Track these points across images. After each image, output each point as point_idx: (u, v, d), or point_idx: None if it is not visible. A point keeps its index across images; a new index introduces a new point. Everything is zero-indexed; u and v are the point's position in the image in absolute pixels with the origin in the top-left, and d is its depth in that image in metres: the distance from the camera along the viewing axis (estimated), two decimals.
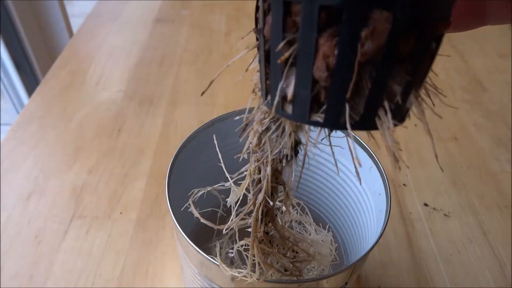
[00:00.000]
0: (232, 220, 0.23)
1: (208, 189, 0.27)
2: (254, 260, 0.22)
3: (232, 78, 0.57)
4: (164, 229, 0.41)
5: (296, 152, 0.19)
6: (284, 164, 0.20)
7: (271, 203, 0.21)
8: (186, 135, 0.29)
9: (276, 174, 0.20)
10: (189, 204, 0.25)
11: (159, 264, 0.38)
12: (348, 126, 0.14)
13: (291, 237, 0.25)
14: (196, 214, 0.24)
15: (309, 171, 0.34)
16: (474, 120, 0.54)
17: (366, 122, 0.14)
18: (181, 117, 0.54)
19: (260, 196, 0.21)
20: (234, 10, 0.77)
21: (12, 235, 0.40)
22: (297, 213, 0.31)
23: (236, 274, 0.22)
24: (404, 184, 0.46)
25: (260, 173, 0.20)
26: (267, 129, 0.19)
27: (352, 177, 0.31)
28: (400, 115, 0.15)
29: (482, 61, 0.65)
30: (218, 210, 0.29)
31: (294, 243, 0.25)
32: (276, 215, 0.23)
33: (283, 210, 0.26)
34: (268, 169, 0.19)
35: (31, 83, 0.97)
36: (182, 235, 0.23)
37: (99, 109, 0.55)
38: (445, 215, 0.43)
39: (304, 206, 0.32)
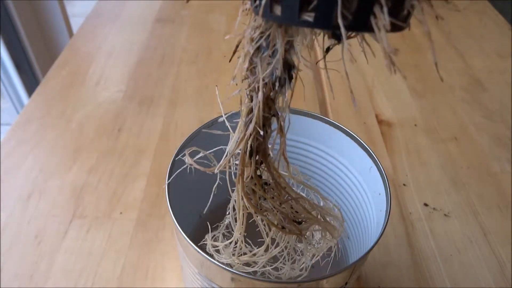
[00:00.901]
0: (224, 158, 0.21)
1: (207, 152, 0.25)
2: (242, 211, 0.20)
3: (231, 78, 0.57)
4: (164, 229, 0.41)
5: (289, 77, 0.18)
6: (277, 90, 0.18)
7: (262, 133, 0.19)
8: (186, 135, 0.29)
9: (269, 103, 0.19)
10: (185, 157, 0.23)
11: (159, 264, 0.38)
12: (341, 26, 0.13)
13: (288, 189, 0.23)
14: (190, 161, 0.23)
15: (309, 171, 0.34)
16: (474, 120, 0.54)
17: (360, 22, 0.13)
18: (181, 117, 0.54)
19: (251, 126, 0.19)
20: (234, 10, 0.77)
21: (12, 235, 0.40)
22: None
23: (220, 244, 0.21)
24: (404, 184, 0.46)
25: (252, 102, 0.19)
26: (258, 49, 0.17)
27: (352, 177, 0.31)
28: (399, 14, 0.13)
29: (482, 61, 0.64)
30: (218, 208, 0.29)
31: (292, 195, 0.22)
32: (269, 155, 0.21)
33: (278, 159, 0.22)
34: (260, 94, 0.18)
35: (31, 83, 0.97)
36: (182, 235, 0.23)
37: (99, 109, 0.55)
38: (445, 215, 0.43)
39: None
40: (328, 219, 0.24)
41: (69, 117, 0.54)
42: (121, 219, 0.42)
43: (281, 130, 0.20)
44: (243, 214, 0.22)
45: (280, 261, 0.25)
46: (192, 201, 0.32)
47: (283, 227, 0.22)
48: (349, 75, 0.63)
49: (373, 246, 0.23)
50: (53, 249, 0.39)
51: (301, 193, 0.23)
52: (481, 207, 0.43)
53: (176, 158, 0.28)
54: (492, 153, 0.50)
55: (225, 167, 0.22)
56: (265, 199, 0.21)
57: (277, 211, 0.22)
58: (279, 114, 0.19)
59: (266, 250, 0.23)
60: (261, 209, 0.21)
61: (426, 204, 0.44)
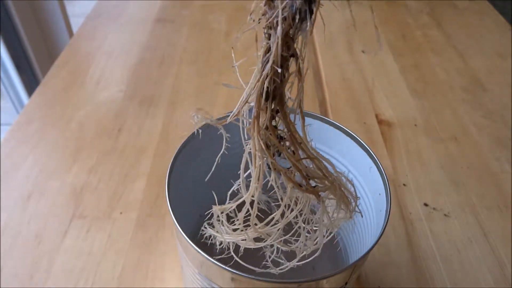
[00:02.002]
0: (238, 105, 0.20)
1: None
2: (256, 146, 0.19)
3: (232, 78, 0.57)
4: (164, 229, 0.41)
5: (310, 10, 0.17)
6: (297, 25, 0.17)
7: (279, 70, 0.18)
8: (186, 135, 0.29)
9: (288, 41, 0.18)
10: (194, 117, 0.22)
11: (159, 264, 0.38)
12: None
13: (304, 145, 0.21)
14: (199, 120, 0.22)
15: None
16: (474, 120, 0.54)
17: None
18: (181, 117, 0.54)
19: (268, 66, 0.18)
20: (234, 10, 0.77)
21: (12, 235, 0.40)
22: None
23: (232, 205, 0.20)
24: (404, 184, 0.46)
25: (270, 40, 0.18)
26: None
27: (352, 177, 0.31)
28: None
29: (482, 61, 0.65)
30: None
31: (308, 154, 0.21)
32: (285, 103, 0.20)
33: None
34: (279, 29, 0.17)
35: (31, 83, 0.97)
36: (182, 235, 0.23)
37: (99, 109, 0.55)
38: (445, 215, 0.43)
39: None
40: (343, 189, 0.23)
41: (69, 117, 0.54)
42: (121, 219, 0.42)
43: (299, 73, 0.19)
44: (259, 165, 0.20)
45: (294, 230, 0.23)
46: (192, 201, 0.32)
47: (300, 185, 0.21)
48: (350, 75, 0.63)
49: (373, 246, 0.23)
50: (53, 249, 0.39)
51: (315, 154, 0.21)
52: (481, 207, 0.43)
53: (176, 158, 0.28)
54: (492, 153, 0.50)
55: (238, 116, 0.21)
56: (279, 155, 0.20)
57: (293, 169, 0.20)
58: (298, 54, 0.18)
59: (281, 217, 0.22)
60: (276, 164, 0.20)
61: (426, 204, 0.44)
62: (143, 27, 0.72)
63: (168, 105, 0.56)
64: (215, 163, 0.25)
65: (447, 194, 0.45)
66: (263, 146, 0.19)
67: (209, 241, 0.25)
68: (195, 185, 0.31)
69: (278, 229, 0.22)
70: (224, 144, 0.24)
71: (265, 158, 0.20)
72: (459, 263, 0.39)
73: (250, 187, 0.21)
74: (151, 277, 0.37)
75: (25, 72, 0.96)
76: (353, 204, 0.23)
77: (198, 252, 0.22)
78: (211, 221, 0.24)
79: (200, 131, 0.29)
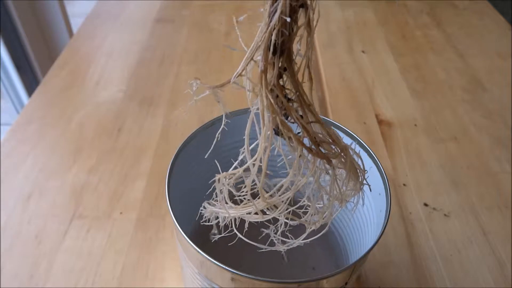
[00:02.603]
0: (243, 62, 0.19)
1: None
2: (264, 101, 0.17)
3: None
4: (164, 229, 0.41)
5: None
6: None
7: (288, 20, 0.16)
8: (186, 135, 0.29)
9: None
10: (193, 85, 0.21)
11: (159, 264, 0.38)
12: None
13: (312, 108, 0.19)
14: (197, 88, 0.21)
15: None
16: (474, 120, 0.54)
17: None
18: (181, 117, 0.54)
19: (276, 16, 0.17)
20: (234, 10, 0.77)
21: (12, 235, 0.40)
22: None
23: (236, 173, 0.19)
24: (404, 184, 0.46)
25: None
26: None
27: None
28: None
29: (482, 61, 0.65)
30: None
31: (316, 117, 0.19)
32: (293, 60, 0.18)
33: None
34: None
35: (31, 83, 0.97)
36: (182, 235, 0.23)
37: (99, 109, 0.55)
38: (445, 215, 0.43)
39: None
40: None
41: (69, 117, 0.54)
42: (121, 219, 0.42)
43: (309, 25, 0.17)
44: (268, 122, 0.19)
45: (302, 200, 0.22)
46: (192, 201, 0.32)
47: (310, 149, 0.19)
48: (350, 75, 0.63)
49: (373, 246, 0.23)
50: (53, 249, 0.39)
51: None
52: (481, 207, 0.44)
53: (176, 158, 0.28)
54: (492, 153, 0.50)
55: (241, 75, 0.19)
56: (287, 118, 0.19)
57: (302, 134, 0.19)
58: (308, 3, 0.17)
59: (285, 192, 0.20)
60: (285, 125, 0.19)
61: (426, 204, 0.44)
62: (143, 27, 0.72)
63: (168, 105, 0.56)
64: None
65: (447, 194, 0.45)
66: (272, 101, 0.18)
67: (209, 222, 0.24)
68: (195, 185, 0.31)
69: (288, 198, 0.21)
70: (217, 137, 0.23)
71: (272, 118, 0.18)
72: (459, 263, 0.39)
73: (259, 148, 0.19)
74: (151, 277, 0.37)
75: (25, 72, 0.96)
76: (362, 177, 0.22)
77: (198, 252, 0.22)
78: (211, 200, 0.23)
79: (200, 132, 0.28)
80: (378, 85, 0.60)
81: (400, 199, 0.44)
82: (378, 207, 0.27)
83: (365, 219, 0.30)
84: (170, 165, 0.27)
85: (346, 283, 0.25)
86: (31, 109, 0.55)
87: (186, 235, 0.23)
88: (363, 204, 0.29)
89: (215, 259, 0.22)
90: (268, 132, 0.19)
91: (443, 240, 0.41)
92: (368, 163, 0.29)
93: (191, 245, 0.23)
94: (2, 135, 0.52)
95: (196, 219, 0.31)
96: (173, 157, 0.28)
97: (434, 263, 0.39)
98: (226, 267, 0.22)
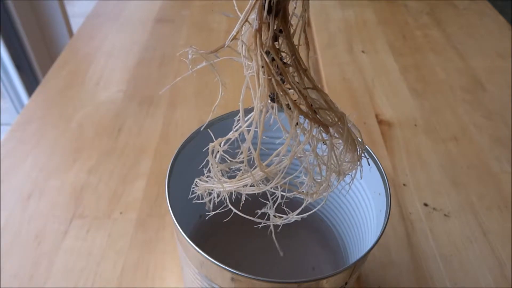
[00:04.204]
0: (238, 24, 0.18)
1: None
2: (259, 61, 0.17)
3: (232, 79, 0.57)
4: (164, 229, 0.41)
5: None
6: None
7: None
8: (186, 135, 0.29)
9: None
10: (189, 53, 0.20)
11: (159, 264, 0.38)
12: None
13: (309, 73, 0.18)
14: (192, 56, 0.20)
15: None
16: (474, 120, 0.54)
17: None
18: (181, 117, 0.54)
19: None
20: (234, 10, 0.77)
21: (12, 235, 0.40)
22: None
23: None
24: (404, 184, 0.46)
25: None
26: None
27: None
28: None
29: (482, 61, 0.65)
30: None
31: (313, 84, 0.18)
32: (289, 22, 0.17)
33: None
34: None
35: (31, 83, 0.97)
36: (182, 235, 0.23)
37: (99, 109, 0.55)
38: (445, 215, 0.43)
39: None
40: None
41: (69, 117, 0.54)
42: (121, 219, 0.42)
43: None
44: (263, 81, 0.18)
45: (299, 171, 0.21)
46: (192, 201, 0.32)
47: (306, 114, 0.18)
48: (350, 75, 0.63)
49: (373, 246, 0.23)
50: (53, 249, 0.39)
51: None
52: (481, 207, 0.44)
53: (176, 158, 0.28)
54: (492, 153, 0.50)
55: (236, 38, 0.19)
56: (283, 82, 0.18)
57: (299, 101, 0.18)
58: None
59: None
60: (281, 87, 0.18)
61: (426, 204, 0.44)
62: (143, 27, 0.72)
63: (168, 105, 0.56)
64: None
65: (447, 194, 0.45)
66: (267, 60, 0.17)
67: (202, 199, 0.23)
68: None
69: (285, 166, 0.20)
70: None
71: (267, 80, 0.18)
72: (459, 263, 0.39)
73: (254, 110, 0.18)
74: (151, 277, 0.37)
75: (25, 72, 0.96)
76: (359, 150, 0.21)
77: (198, 252, 0.22)
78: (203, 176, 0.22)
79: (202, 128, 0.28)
80: (378, 85, 0.60)
81: (400, 199, 0.44)
82: (378, 207, 0.27)
83: (365, 219, 0.30)
84: (170, 165, 0.27)
85: (346, 283, 0.25)
86: (31, 109, 0.55)
87: (186, 235, 0.23)
88: (361, 177, 0.28)
89: (215, 259, 0.22)
90: (264, 90, 0.18)
91: (443, 240, 0.41)
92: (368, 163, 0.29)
93: (191, 245, 0.23)
94: (2, 135, 0.52)
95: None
96: (173, 157, 0.28)
97: (434, 263, 0.39)
98: (226, 267, 0.22)
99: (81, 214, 0.42)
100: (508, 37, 0.70)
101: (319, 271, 0.35)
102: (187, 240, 0.23)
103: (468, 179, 0.46)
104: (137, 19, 0.75)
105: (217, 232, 0.35)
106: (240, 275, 0.22)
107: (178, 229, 0.24)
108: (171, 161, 0.27)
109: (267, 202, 0.22)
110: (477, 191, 0.45)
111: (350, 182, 0.23)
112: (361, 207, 0.31)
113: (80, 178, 0.46)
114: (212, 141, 0.26)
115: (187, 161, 0.29)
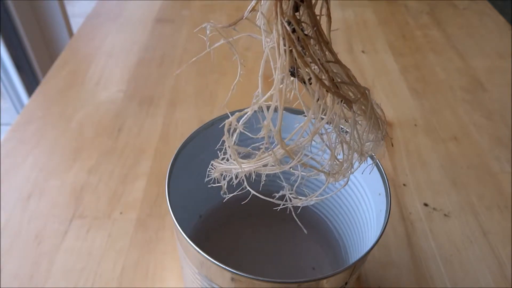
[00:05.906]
0: None
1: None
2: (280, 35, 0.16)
3: (232, 79, 0.57)
4: (164, 229, 0.41)
5: None
6: None
7: None
8: (186, 135, 0.29)
9: None
10: (207, 28, 0.19)
11: (159, 264, 0.38)
12: None
13: (331, 47, 0.18)
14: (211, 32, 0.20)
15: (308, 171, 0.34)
16: (474, 120, 0.54)
17: None
18: (181, 117, 0.54)
19: None
20: (234, 10, 0.77)
21: (12, 235, 0.40)
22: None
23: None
24: (404, 184, 0.46)
25: None
26: None
27: (352, 177, 0.31)
28: None
29: (482, 61, 0.65)
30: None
31: (335, 57, 0.18)
32: None
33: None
34: None
35: (31, 83, 0.97)
36: (182, 235, 0.23)
37: (99, 109, 0.55)
38: (445, 215, 0.43)
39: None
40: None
41: (69, 117, 0.54)
42: (121, 219, 0.42)
43: None
44: (284, 51, 0.17)
45: (320, 149, 0.20)
46: (192, 201, 0.32)
47: (329, 87, 0.17)
48: None
49: (373, 246, 0.23)
50: (53, 249, 0.39)
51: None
52: (481, 207, 0.44)
53: (176, 158, 0.28)
54: (492, 153, 0.50)
55: (255, 10, 0.18)
56: (305, 53, 0.17)
57: (321, 72, 0.17)
58: None
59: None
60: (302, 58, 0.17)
61: (426, 204, 0.44)
62: (143, 27, 0.72)
63: (168, 105, 0.56)
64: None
65: (447, 194, 0.45)
66: (288, 29, 0.16)
67: (217, 183, 0.22)
68: (195, 185, 0.31)
69: (307, 144, 0.19)
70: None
71: (288, 51, 0.17)
72: (459, 263, 0.39)
73: (275, 80, 0.17)
74: (151, 277, 0.37)
75: (25, 72, 0.96)
76: (383, 129, 0.20)
77: (198, 252, 0.22)
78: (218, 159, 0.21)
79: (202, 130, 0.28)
80: (378, 85, 0.60)
81: (400, 199, 0.44)
82: (378, 207, 0.27)
83: (365, 219, 0.30)
84: (170, 165, 0.27)
85: (346, 283, 0.25)
86: (31, 109, 0.55)
87: (186, 235, 0.23)
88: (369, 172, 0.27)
89: (215, 259, 0.22)
90: (285, 61, 0.17)
91: (443, 240, 0.41)
92: (368, 163, 0.29)
93: (191, 245, 0.23)
94: (2, 135, 0.52)
95: (196, 219, 0.31)
96: (173, 157, 0.28)
97: (434, 263, 0.39)
98: (226, 267, 0.22)
99: (81, 214, 0.42)
100: (508, 37, 0.70)
101: (319, 271, 0.35)
102: (187, 240, 0.23)
103: (468, 179, 0.46)
104: (137, 19, 0.75)
105: (217, 232, 0.35)
106: (240, 275, 0.22)
107: (178, 229, 0.24)
108: (171, 161, 0.27)
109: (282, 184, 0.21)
110: (477, 191, 0.45)
111: (362, 163, 0.22)
112: (361, 207, 0.31)
113: (80, 178, 0.46)
114: (212, 141, 0.26)
115: (187, 161, 0.29)
